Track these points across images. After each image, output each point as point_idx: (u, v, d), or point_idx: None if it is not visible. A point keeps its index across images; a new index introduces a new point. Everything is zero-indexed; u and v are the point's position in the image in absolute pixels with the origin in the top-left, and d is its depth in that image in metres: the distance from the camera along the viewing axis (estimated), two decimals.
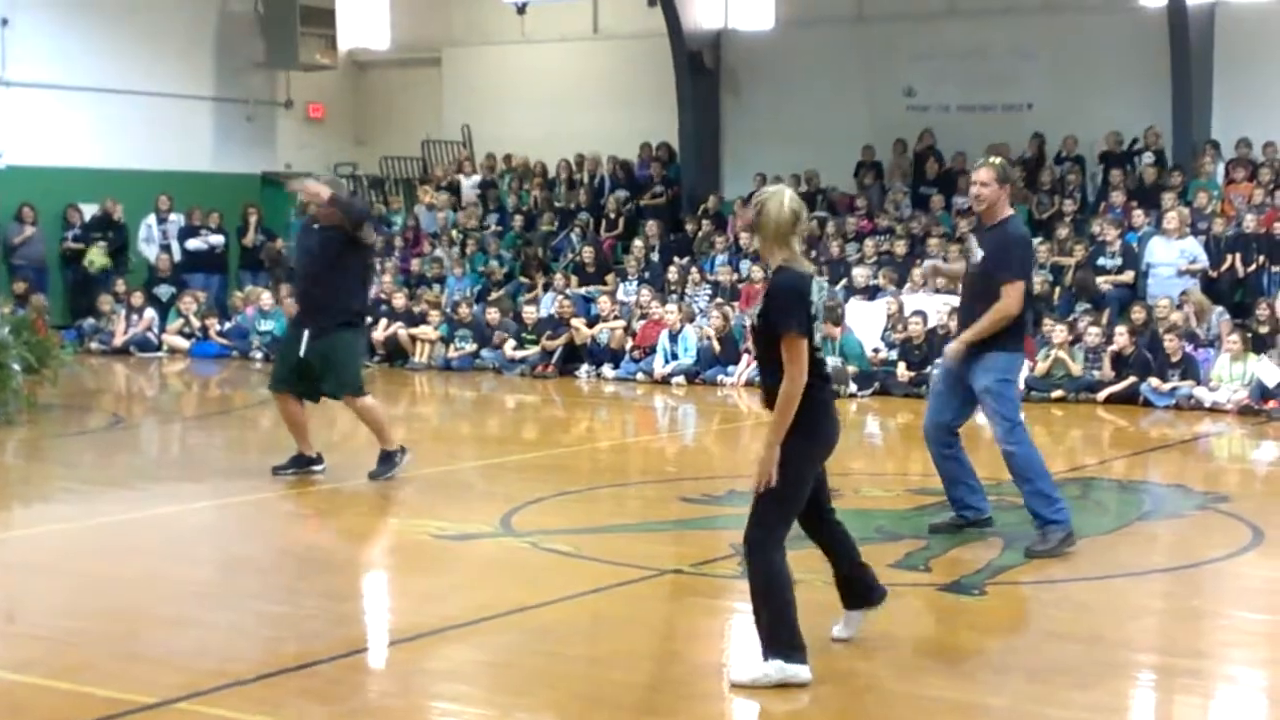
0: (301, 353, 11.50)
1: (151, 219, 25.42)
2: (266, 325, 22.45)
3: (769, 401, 6.67)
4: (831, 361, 19.46)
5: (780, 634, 6.56)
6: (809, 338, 6.59)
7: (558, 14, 27.27)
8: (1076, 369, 17.33)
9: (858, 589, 7.17)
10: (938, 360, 17.54)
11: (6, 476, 13.10)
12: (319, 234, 11.53)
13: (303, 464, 11.83)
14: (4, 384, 14.73)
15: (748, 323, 18.77)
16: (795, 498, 6.65)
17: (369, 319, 13.35)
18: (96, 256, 24.84)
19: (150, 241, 25.41)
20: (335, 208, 11.40)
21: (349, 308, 11.63)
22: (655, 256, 23.25)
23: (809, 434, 6.63)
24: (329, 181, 12.19)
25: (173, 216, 25.48)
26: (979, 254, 9.34)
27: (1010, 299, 9.16)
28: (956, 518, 9.71)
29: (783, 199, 6.70)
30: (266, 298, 22.91)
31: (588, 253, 23.30)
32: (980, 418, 9.72)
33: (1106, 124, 23.03)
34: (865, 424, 16.05)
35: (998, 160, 9.53)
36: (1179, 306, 18.29)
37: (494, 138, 27.95)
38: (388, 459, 11.66)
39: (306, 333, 11.50)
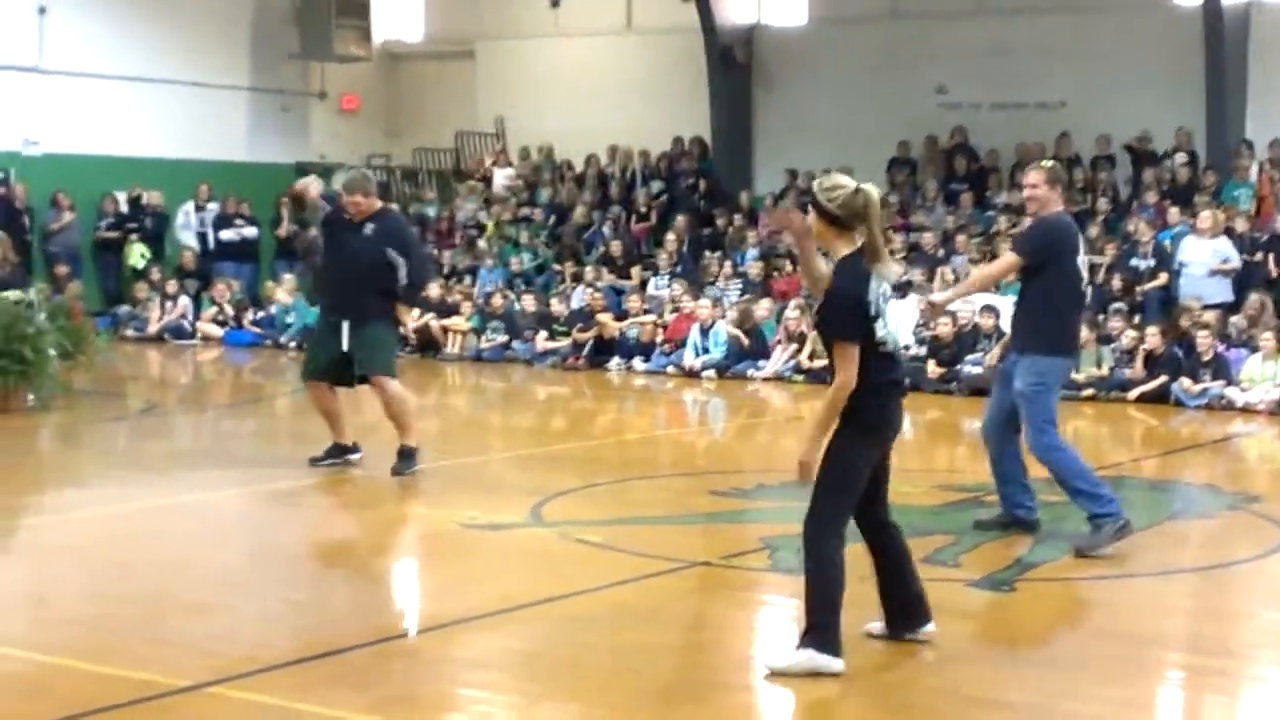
0: (345, 346, 11.47)
1: (190, 206, 25.56)
2: (291, 318, 22.55)
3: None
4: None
5: (819, 625, 6.59)
6: (870, 336, 6.57)
7: (591, 8, 27.27)
8: (1097, 370, 17.24)
9: (899, 613, 7.09)
10: (971, 360, 17.72)
11: (41, 461, 13.21)
12: (364, 239, 11.48)
13: (339, 453, 11.85)
14: (40, 369, 14.81)
15: (793, 312, 18.82)
16: (848, 489, 6.66)
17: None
18: (138, 255, 24.96)
19: (188, 228, 25.57)
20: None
21: (389, 308, 11.70)
22: (674, 247, 23.24)
23: (861, 428, 6.64)
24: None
25: (210, 205, 25.62)
26: None
27: (1004, 262, 9.50)
28: (1005, 515, 9.67)
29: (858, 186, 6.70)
30: (283, 292, 22.99)
31: (616, 246, 23.35)
32: None
33: (1139, 123, 22.93)
34: None
35: (1049, 162, 9.58)
36: (1231, 309, 18.28)
37: (527, 130, 27.98)
38: (409, 456, 11.58)
39: (347, 323, 11.46)
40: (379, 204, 11.86)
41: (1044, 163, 9.63)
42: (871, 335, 6.60)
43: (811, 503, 6.70)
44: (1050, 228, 9.33)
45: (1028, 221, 9.81)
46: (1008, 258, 9.37)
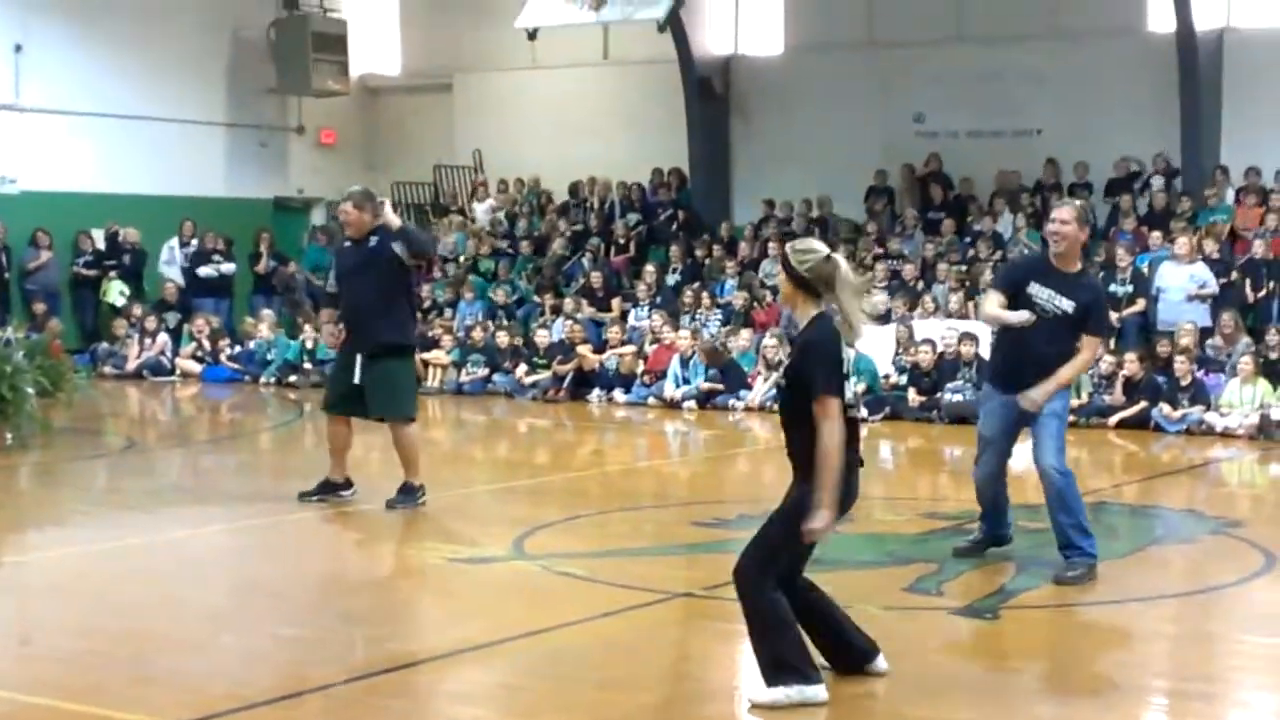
0: (356, 379, 11.47)
1: (174, 242, 25.53)
2: (271, 355, 22.55)
3: (794, 458, 6.70)
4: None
5: (790, 661, 6.58)
6: (841, 395, 6.58)
7: (568, 40, 27.31)
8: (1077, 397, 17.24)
9: (841, 655, 6.99)
10: (950, 389, 17.73)
11: (20, 500, 13.14)
12: (364, 254, 11.49)
13: (330, 490, 11.81)
14: (18, 407, 14.76)
15: (771, 340, 18.80)
16: (801, 549, 6.69)
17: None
18: (116, 292, 24.92)
19: (172, 264, 25.51)
20: (403, 240, 11.50)
21: (402, 331, 11.66)
22: (673, 279, 23.28)
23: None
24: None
25: (194, 242, 25.59)
26: (1064, 303, 9.15)
27: (1095, 352, 9.63)
28: (984, 537, 9.70)
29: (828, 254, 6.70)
30: (265, 328, 23.01)
31: (596, 277, 23.38)
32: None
33: (1116, 149, 23.06)
34: (877, 449, 16.07)
35: (1080, 201, 9.61)
36: (1207, 330, 18.40)
37: (505, 163, 28.04)
38: (410, 491, 11.62)
39: (360, 358, 11.46)
40: (376, 222, 11.65)
41: (1075, 201, 9.68)
42: (843, 394, 6.61)
43: (758, 543, 6.69)
44: (1104, 294, 9.51)
45: (1074, 263, 9.52)
46: (1099, 346, 9.71)
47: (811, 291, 6.69)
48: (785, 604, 6.63)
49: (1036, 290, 9.24)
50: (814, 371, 6.56)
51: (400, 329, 11.64)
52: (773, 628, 6.61)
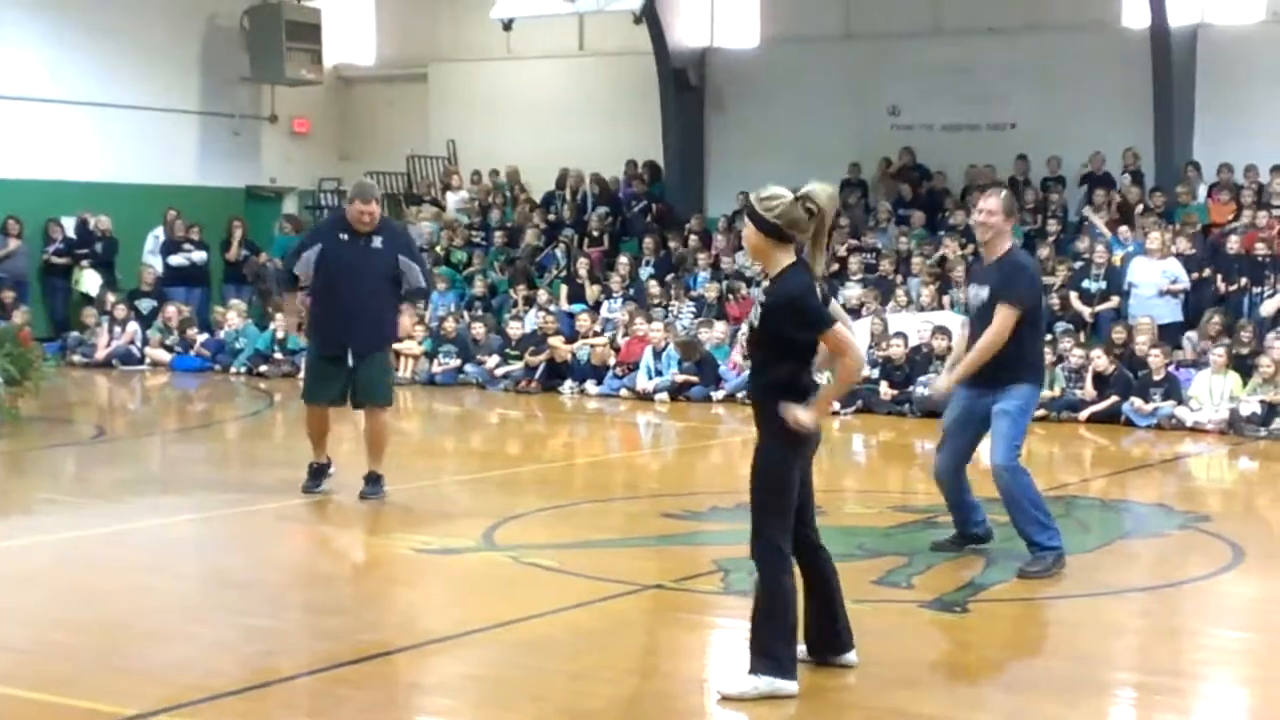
0: (350, 363, 11.42)
1: (159, 231, 25.41)
2: (240, 344, 22.44)
3: (758, 397, 6.71)
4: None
5: (775, 649, 6.57)
6: (815, 343, 6.58)
7: (544, 31, 27.30)
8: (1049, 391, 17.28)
9: (821, 640, 6.99)
10: (923, 381, 17.75)
11: None
12: (370, 255, 11.35)
13: (322, 474, 11.81)
14: None
15: (745, 329, 18.81)
16: (783, 501, 6.63)
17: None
18: (88, 281, 24.78)
19: (156, 253, 25.39)
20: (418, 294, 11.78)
21: (392, 333, 11.73)
22: (646, 272, 23.24)
23: (788, 438, 6.62)
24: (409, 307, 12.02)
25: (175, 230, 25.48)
26: (982, 292, 9.17)
27: (1002, 322, 8.98)
28: (959, 535, 9.69)
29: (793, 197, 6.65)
30: (234, 315, 22.89)
31: (583, 263, 23.33)
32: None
33: (1089, 144, 23.12)
34: (849, 442, 16.08)
35: (1005, 191, 9.55)
36: (1178, 326, 18.45)
37: (479, 154, 27.97)
38: (378, 481, 11.59)
39: (351, 352, 11.38)
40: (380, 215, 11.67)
41: (1001, 191, 9.56)
42: (815, 343, 6.58)
43: (754, 525, 6.68)
44: (1030, 269, 9.39)
45: (996, 252, 9.47)
46: (1008, 314, 8.96)
47: (783, 238, 6.60)
48: (790, 588, 6.60)
49: (968, 290, 9.30)
50: (803, 323, 6.51)
51: (390, 332, 11.74)
52: (767, 609, 6.58)
